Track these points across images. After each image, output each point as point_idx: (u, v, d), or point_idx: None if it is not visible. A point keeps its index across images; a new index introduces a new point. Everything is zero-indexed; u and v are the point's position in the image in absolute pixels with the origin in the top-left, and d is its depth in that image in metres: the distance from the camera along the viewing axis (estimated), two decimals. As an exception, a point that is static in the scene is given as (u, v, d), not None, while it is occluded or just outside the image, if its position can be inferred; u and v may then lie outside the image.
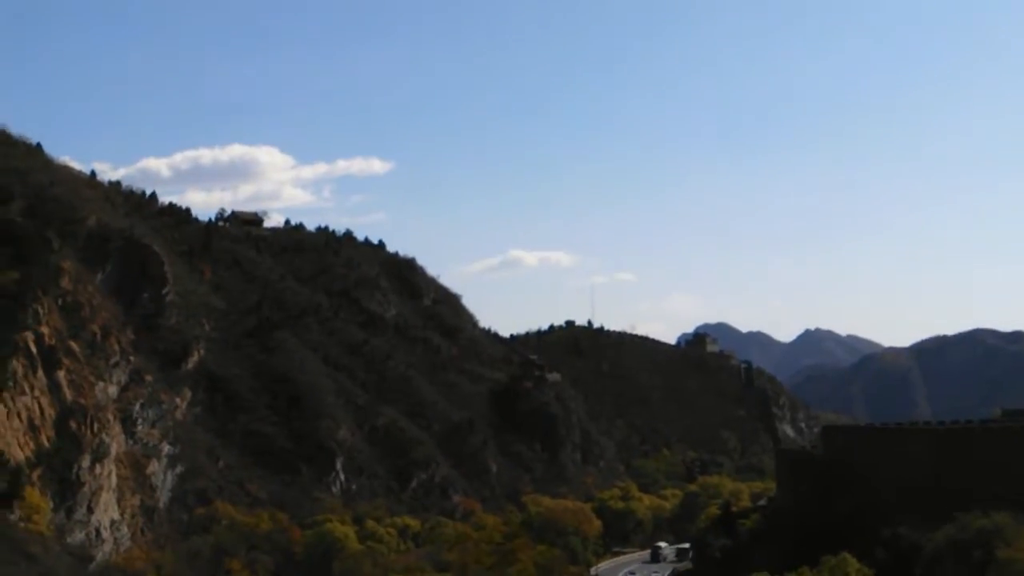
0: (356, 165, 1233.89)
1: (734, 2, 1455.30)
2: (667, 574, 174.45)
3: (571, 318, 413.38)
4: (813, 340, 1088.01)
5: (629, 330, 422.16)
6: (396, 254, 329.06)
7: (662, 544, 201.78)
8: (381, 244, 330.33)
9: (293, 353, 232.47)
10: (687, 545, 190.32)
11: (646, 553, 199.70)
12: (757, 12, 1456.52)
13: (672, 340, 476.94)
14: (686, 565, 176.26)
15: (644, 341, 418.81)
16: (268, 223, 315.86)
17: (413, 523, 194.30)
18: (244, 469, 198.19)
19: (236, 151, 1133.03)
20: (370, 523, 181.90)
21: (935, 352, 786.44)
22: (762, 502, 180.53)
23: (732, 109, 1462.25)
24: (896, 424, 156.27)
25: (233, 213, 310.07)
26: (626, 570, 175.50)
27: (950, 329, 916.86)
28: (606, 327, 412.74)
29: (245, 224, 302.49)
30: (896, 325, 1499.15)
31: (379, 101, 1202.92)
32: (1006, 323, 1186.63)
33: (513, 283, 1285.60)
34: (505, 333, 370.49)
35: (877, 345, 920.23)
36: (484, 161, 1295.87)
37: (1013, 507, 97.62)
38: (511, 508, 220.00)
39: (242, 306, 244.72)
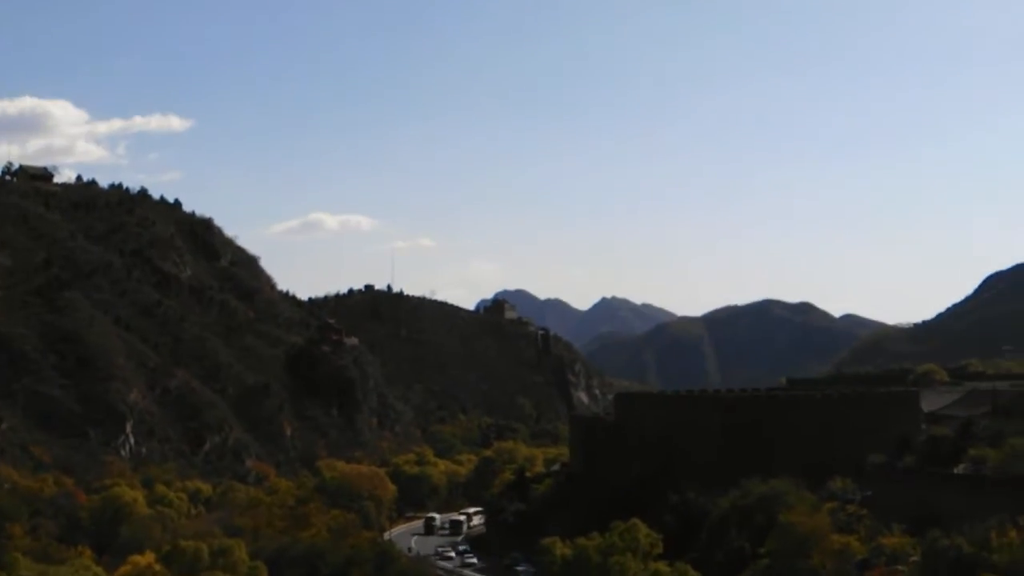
0: (154, 122, 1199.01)
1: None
2: (461, 539, 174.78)
3: (371, 282, 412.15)
4: (609, 308, 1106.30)
5: (429, 296, 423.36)
6: (193, 214, 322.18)
7: (435, 515, 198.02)
8: (177, 203, 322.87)
9: (82, 313, 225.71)
10: (463, 516, 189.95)
11: (420, 524, 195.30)
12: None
13: (471, 306, 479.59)
14: (477, 532, 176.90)
15: (443, 307, 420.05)
16: (58, 179, 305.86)
17: (205, 487, 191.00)
18: (28, 432, 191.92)
19: (26, 103, 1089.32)
20: (160, 487, 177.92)
21: (726, 322, 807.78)
22: (555, 467, 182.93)
23: (536, 78, 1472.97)
24: (687, 392, 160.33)
25: (21, 167, 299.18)
26: (407, 544, 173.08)
27: (741, 299, 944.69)
28: (406, 292, 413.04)
29: (33, 179, 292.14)
30: (689, 295, 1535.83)
31: (179, 57, 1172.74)
32: (794, 295, 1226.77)
33: (313, 246, 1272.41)
34: (304, 296, 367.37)
35: (671, 314, 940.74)
36: (286, 122, 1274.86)
37: (796, 473, 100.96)
38: (305, 473, 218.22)
39: (29, 264, 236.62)
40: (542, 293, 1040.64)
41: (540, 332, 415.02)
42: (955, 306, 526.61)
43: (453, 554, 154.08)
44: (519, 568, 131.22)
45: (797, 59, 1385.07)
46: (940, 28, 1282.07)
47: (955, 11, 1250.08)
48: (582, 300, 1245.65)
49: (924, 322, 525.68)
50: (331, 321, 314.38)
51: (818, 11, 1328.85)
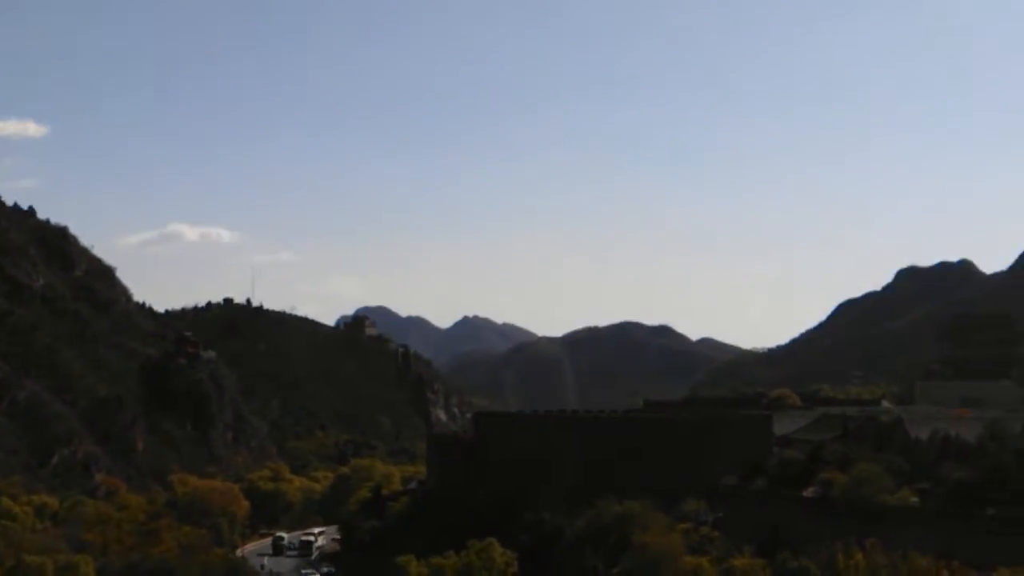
0: (10, 127, 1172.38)
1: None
2: (314, 557, 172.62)
3: (230, 296, 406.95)
4: (471, 327, 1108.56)
5: (288, 310, 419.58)
6: (47, 222, 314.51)
7: (283, 535, 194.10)
8: (31, 211, 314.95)
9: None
10: (313, 536, 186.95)
11: (268, 544, 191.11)
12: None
13: (331, 322, 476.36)
14: (328, 550, 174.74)
15: (303, 322, 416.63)
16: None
17: (51, 501, 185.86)
18: None
19: None
20: (5, 501, 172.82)
21: (586, 343, 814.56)
22: (412, 485, 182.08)
23: (400, 94, 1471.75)
24: (545, 412, 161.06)
25: None
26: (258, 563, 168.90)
27: (601, 321, 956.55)
28: (266, 306, 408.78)
29: None
30: (551, 315, 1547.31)
31: (35, 61, 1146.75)
32: (653, 317, 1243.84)
33: (172, 257, 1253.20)
34: (161, 309, 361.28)
35: (532, 334, 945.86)
36: (145, 131, 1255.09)
37: (651, 494, 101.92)
38: (157, 488, 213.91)
39: None
40: (404, 310, 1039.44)
41: (400, 349, 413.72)
42: (808, 332, 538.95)
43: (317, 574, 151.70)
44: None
45: (665, 79, 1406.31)
46: (807, 50, 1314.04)
47: (822, 38, 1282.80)
48: (444, 318, 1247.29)
49: (778, 347, 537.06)
50: (188, 334, 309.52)
51: (687, 25, 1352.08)
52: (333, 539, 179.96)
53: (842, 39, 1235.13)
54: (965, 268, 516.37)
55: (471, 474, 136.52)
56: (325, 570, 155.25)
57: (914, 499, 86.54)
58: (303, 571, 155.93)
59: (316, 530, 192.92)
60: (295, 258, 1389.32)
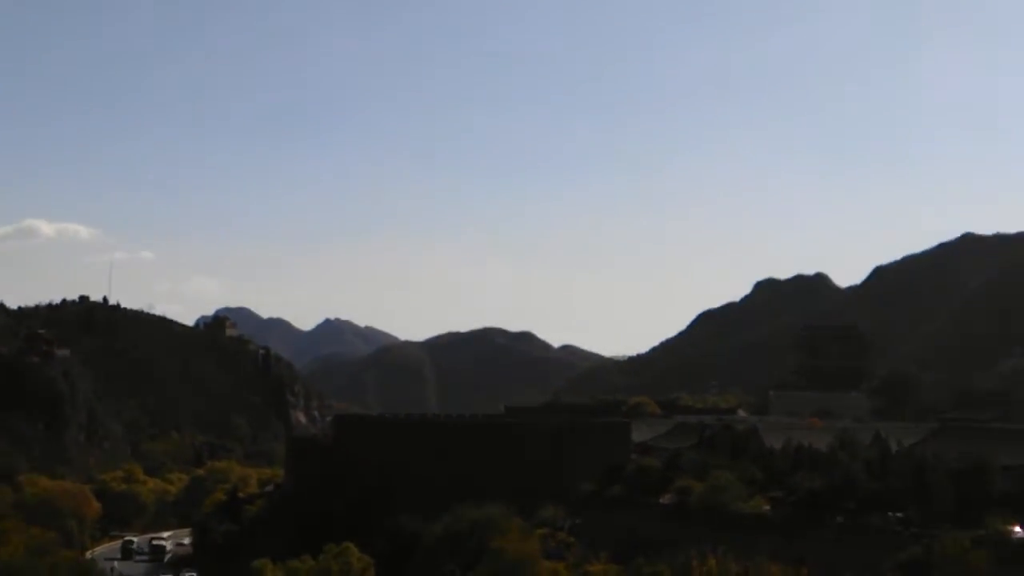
0: None
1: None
2: (168, 559, 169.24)
3: (87, 293, 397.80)
4: (333, 330, 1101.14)
5: (147, 309, 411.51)
6: None
7: (132, 538, 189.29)
8: None
9: None
10: (165, 539, 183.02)
11: (116, 548, 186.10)
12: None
13: (191, 322, 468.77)
14: (182, 553, 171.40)
15: (162, 321, 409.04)
16: None
17: None
18: None
19: None
20: None
21: (448, 348, 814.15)
22: (269, 488, 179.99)
23: (267, 94, 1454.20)
24: (405, 416, 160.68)
25: None
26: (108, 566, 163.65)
27: (463, 326, 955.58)
28: (123, 305, 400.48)
29: None
30: (413, 319, 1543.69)
31: None
32: (515, 323, 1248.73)
33: (27, 254, 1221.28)
34: (14, 305, 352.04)
35: (394, 338, 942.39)
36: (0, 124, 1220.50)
37: (510, 500, 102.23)
38: (5, 488, 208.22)
39: None
40: (265, 312, 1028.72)
41: (261, 351, 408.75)
42: (668, 341, 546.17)
43: None
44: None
45: (521, 94, 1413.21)
46: (665, 50, 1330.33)
47: (673, 45, 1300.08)
48: (305, 320, 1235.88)
49: (639, 355, 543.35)
50: (41, 332, 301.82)
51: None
52: (181, 543, 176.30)
53: (687, 45, 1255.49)
54: (820, 281, 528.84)
55: (329, 478, 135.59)
56: (187, 574, 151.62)
57: (766, 507, 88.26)
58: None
59: (166, 534, 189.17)
60: (155, 257, 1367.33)
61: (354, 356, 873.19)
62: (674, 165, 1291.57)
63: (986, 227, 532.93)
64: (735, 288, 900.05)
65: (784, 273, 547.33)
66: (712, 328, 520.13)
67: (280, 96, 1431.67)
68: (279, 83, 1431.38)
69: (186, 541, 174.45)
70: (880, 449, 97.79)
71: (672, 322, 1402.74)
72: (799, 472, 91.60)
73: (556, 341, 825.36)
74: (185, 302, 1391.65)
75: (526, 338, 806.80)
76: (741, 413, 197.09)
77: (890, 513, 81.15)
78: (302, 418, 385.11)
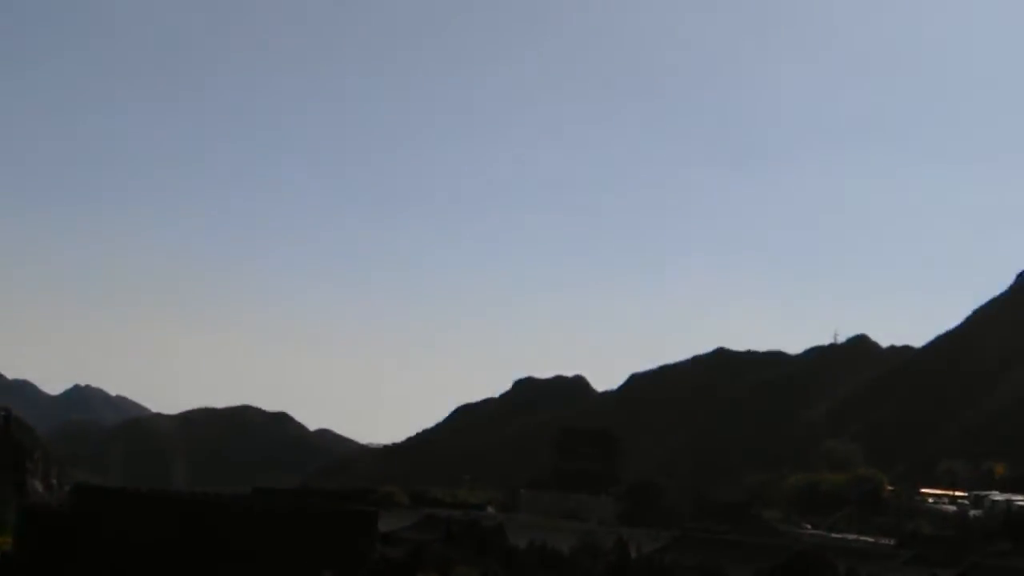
0: None
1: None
2: None
3: None
4: (82, 396, 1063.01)
5: None
6: None
7: None
8: None
9: None
10: None
11: None
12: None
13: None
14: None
15: None
16: None
17: None
18: None
19: None
20: None
21: (202, 423, 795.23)
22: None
23: (31, 153, 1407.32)
24: (148, 490, 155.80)
25: None
26: None
27: (219, 402, 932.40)
28: None
29: None
30: (167, 392, 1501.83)
31: None
32: (272, 403, 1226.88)
33: None
34: None
35: (145, 409, 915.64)
36: None
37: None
38: None
39: None
40: (10, 372, 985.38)
41: (1, 414, 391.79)
42: (424, 432, 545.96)
43: None
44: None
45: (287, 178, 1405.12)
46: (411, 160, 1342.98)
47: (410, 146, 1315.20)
48: (53, 384, 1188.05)
49: (394, 444, 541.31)
50: None
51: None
52: None
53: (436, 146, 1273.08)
54: (579, 383, 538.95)
55: (65, 549, 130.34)
56: None
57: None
58: None
59: None
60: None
61: (102, 424, 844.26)
62: (438, 256, 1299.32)
63: (738, 344, 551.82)
64: (494, 384, 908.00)
65: (544, 372, 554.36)
66: (469, 422, 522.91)
67: (46, 154, 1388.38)
68: (30, 140, 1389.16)
69: None
70: (621, 554, 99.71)
71: (430, 413, 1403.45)
72: (540, 572, 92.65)
73: (313, 424, 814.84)
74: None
75: (283, 419, 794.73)
76: (490, 509, 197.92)
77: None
78: (39, 486, 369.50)
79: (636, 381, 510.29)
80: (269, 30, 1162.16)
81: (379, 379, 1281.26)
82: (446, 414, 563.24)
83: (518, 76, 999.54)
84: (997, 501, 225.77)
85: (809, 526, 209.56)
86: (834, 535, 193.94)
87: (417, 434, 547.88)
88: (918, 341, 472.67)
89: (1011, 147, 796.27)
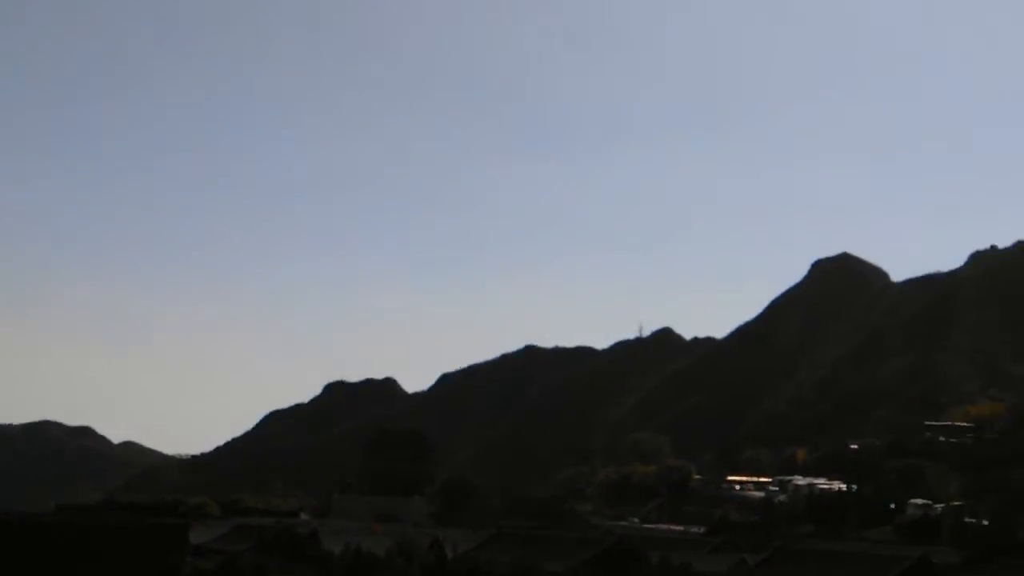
0: None
1: None
2: None
3: None
4: None
5: None
6: None
7: None
8: None
9: None
10: None
11: None
12: None
13: None
14: None
15: None
16: None
17: None
18: None
19: None
20: None
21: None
22: None
23: None
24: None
25: None
26: None
27: (15, 418, 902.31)
28: None
29: None
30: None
31: None
32: (73, 417, 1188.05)
33: None
34: None
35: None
36: None
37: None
38: None
39: None
40: None
41: None
42: (234, 441, 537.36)
43: None
44: None
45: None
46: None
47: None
48: None
49: (203, 454, 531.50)
50: None
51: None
52: None
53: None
54: (389, 386, 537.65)
55: None
56: None
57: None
58: None
59: None
60: None
61: None
62: (241, 261, 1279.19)
63: (546, 340, 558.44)
64: (304, 389, 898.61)
65: (354, 376, 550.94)
66: (279, 428, 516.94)
67: None
68: None
69: None
70: (437, 554, 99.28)
71: (238, 421, 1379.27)
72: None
73: (116, 437, 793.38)
74: None
75: (85, 432, 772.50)
76: (303, 516, 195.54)
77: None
78: None
79: (447, 381, 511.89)
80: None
81: (184, 388, 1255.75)
82: (255, 421, 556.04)
83: (314, 70, 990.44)
84: (800, 485, 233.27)
85: (637, 520, 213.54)
86: (646, 526, 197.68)
87: (226, 443, 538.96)
88: (720, 332, 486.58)
89: (804, 143, 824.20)
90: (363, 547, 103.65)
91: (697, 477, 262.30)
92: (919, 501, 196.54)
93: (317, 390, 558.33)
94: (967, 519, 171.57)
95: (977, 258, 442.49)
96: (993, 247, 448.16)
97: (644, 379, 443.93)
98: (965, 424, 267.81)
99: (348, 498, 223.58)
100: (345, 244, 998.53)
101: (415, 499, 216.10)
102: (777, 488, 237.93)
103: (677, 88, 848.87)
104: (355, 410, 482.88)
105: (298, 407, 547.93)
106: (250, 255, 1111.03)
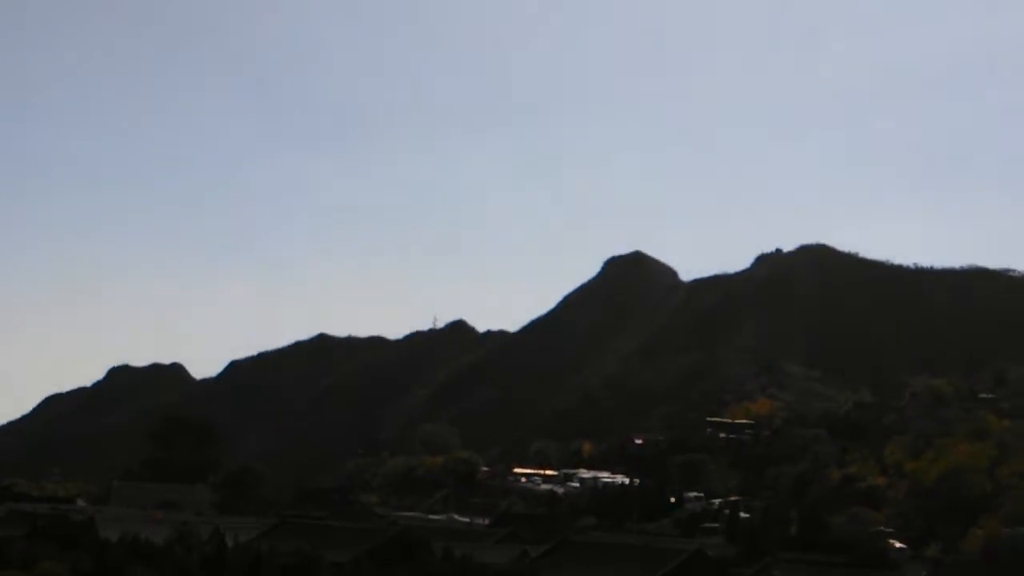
0: None
1: None
2: None
3: None
4: None
5: None
6: None
7: None
8: None
9: None
10: None
11: None
12: None
13: None
14: None
15: None
16: None
17: None
18: None
19: None
20: None
21: None
22: None
23: None
24: None
25: None
26: None
27: None
28: None
29: None
30: None
31: None
32: None
33: None
34: None
35: None
36: None
37: None
38: None
39: None
40: None
41: None
42: (11, 423, 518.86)
43: None
44: None
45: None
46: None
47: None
48: None
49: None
50: None
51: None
52: None
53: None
54: (176, 371, 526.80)
55: None
56: None
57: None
58: None
59: None
60: None
61: None
62: (25, 238, 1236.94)
63: (339, 329, 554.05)
64: (87, 372, 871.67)
65: (140, 360, 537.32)
66: (59, 412, 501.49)
67: None
68: None
69: None
70: (217, 544, 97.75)
71: (15, 403, 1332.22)
72: (135, 565, 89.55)
73: None
74: None
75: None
76: (81, 502, 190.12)
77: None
78: None
79: (236, 367, 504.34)
80: None
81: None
82: (34, 404, 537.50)
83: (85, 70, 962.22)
84: (585, 478, 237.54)
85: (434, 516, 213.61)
86: (431, 516, 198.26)
87: (2, 425, 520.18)
88: (513, 326, 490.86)
89: (599, 142, 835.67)
90: (142, 535, 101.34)
91: (485, 469, 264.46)
92: (696, 494, 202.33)
93: (101, 374, 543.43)
94: (742, 514, 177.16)
95: (763, 260, 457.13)
96: (778, 250, 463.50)
97: (437, 370, 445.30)
98: (745, 422, 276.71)
99: (129, 485, 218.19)
100: (134, 228, 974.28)
101: (198, 488, 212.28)
102: (560, 480, 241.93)
103: (475, 82, 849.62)
104: (140, 396, 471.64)
105: (80, 391, 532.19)
106: (33, 234, 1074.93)
